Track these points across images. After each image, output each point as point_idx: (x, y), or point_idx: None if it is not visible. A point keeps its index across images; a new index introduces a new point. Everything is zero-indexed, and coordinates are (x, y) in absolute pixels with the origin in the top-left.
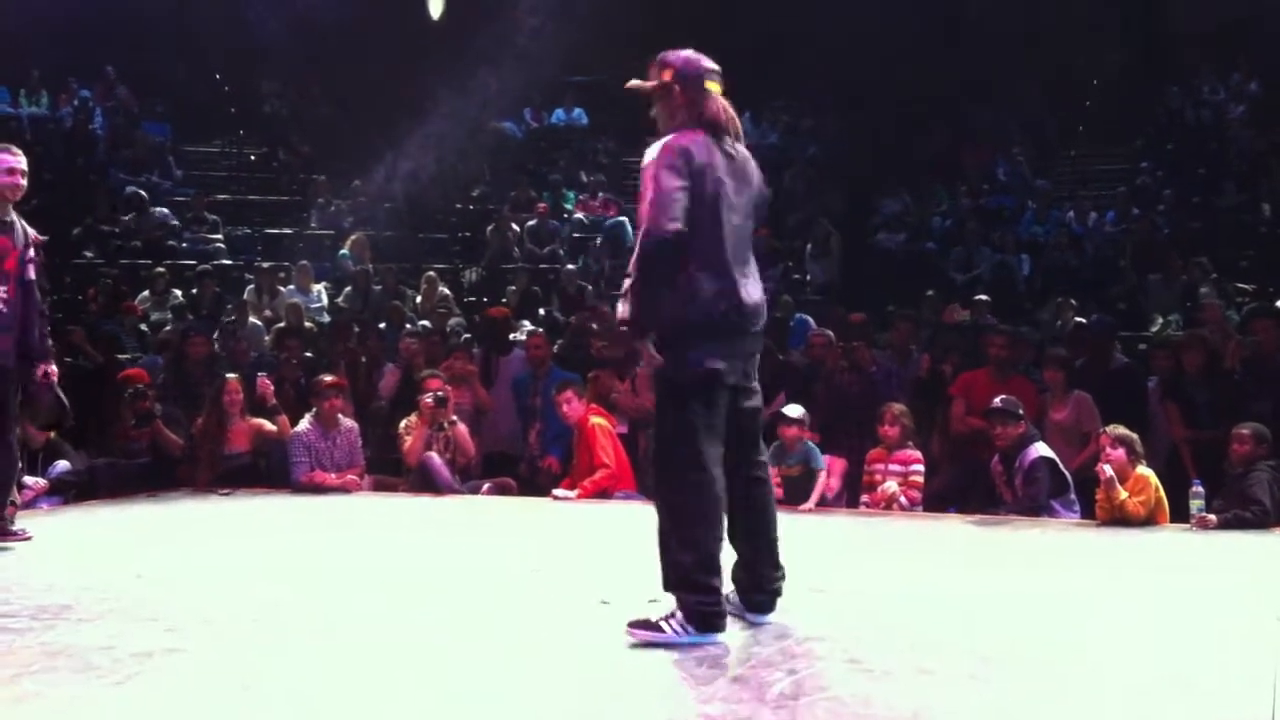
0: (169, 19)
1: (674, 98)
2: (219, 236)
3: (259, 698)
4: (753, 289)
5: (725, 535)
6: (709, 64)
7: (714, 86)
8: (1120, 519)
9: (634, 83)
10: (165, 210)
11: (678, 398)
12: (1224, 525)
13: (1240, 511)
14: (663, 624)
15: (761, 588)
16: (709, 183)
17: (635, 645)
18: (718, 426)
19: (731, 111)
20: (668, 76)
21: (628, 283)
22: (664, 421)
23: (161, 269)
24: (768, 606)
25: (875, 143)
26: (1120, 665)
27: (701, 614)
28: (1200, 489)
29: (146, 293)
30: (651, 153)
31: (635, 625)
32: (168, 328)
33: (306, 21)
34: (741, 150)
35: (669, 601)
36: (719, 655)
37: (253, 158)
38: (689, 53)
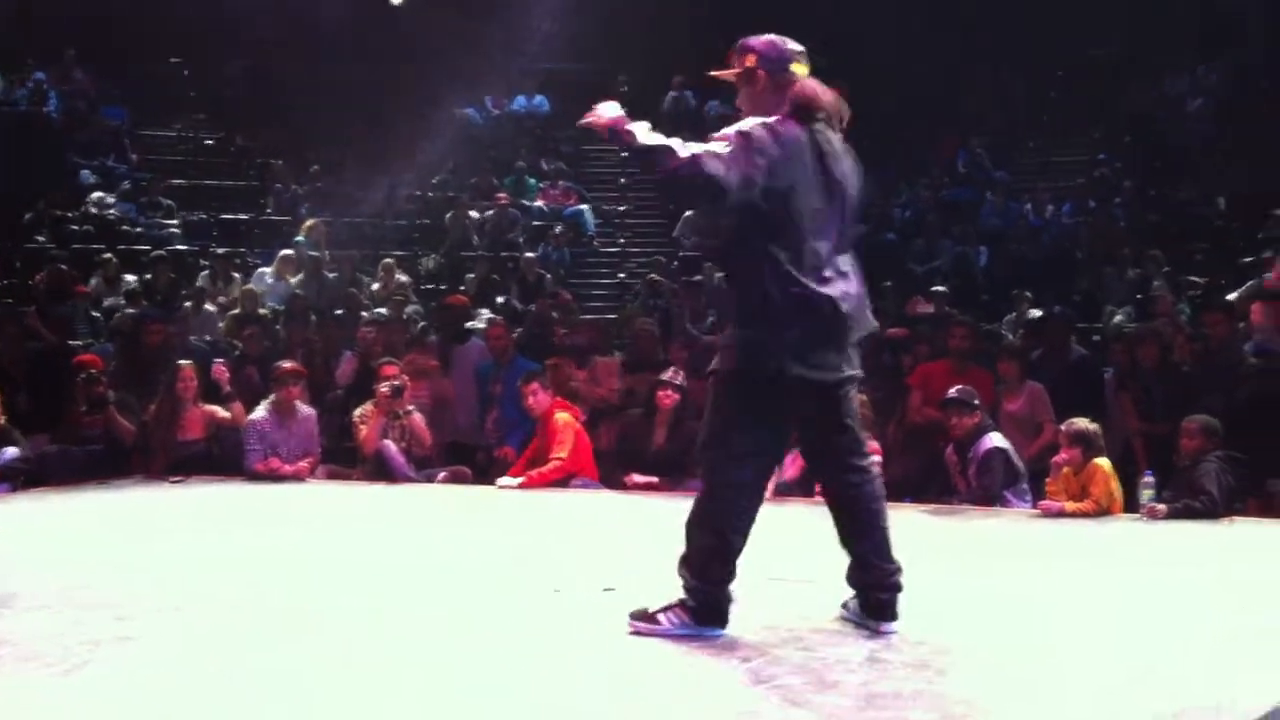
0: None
1: (758, 83)
2: (174, 222)
3: (214, 685)
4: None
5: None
6: (794, 45)
7: (800, 69)
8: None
9: (718, 71)
10: (120, 195)
11: (722, 389)
12: (1173, 515)
13: (1190, 501)
14: (660, 616)
15: (881, 584)
16: (787, 174)
17: (633, 634)
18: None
19: (831, 93)
20: (751, 62)
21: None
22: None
23: (110, 254)
24: (891, 609)
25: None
26: (1075, 652)
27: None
28: (1151, 479)
29: (98, 277)
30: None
31: (634, 617)
32: (118, 314)
33: (267, 6)
34: (837, 141)
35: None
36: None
37: (209, 142)
38: (771, 36)
